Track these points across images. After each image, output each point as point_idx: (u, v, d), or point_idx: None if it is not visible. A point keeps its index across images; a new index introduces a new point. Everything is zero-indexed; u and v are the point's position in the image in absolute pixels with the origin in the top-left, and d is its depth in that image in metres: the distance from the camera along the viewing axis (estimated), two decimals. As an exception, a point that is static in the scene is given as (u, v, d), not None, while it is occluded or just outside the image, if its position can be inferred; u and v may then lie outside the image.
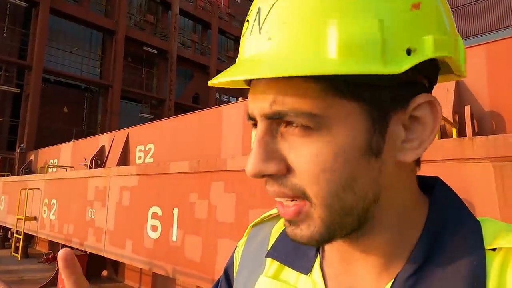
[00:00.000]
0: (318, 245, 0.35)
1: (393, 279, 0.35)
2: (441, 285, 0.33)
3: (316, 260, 0.41)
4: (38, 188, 5.65)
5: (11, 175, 8.95)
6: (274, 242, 0.46)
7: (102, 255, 3.87)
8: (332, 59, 0.28)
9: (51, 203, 5.19)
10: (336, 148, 0.31)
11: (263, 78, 0.31)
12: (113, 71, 13.89)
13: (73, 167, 7.02)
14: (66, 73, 13.37)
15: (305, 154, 0.31)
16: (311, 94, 0.30)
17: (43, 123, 11.93)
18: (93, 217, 4.06)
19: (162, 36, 16.17)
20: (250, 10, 0.34)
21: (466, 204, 0.38)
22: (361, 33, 0.28)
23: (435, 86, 0.38)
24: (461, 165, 1.42)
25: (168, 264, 2.79)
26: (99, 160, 6.33)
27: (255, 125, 0.34)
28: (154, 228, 3.02)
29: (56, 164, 7.81)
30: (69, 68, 13.69)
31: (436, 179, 0.40)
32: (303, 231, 0.33)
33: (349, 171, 0.32)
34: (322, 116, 0.31)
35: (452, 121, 2.00)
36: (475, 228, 0.35)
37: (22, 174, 8.52)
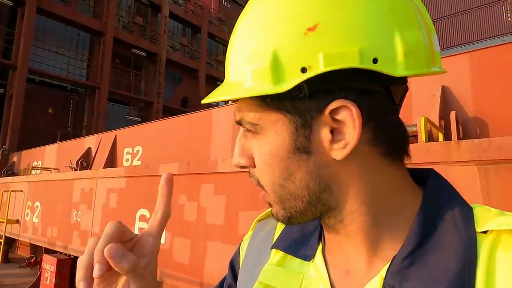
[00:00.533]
0: (288, 223, 0.42)
1: (391, 261, 0.38)
2: (436, 264, 0.35)
3: (318, 248, 0.45)
4: (21, 190, 5.51)
5: (-8, 177, 8.70)
6: (279, 235, 0.50)
7: (87, 258, 3.79)
8: (248, 85, 0.37)
9: (35, 206, 5.06)
10: (271, 148, 0.39)
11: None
12: (101, 73, 13.70)
13: (57, 169, 6.87)
14: (51, 73, 13.12)
15: (256, 152, 0.41)
16: (252, 108, 0.40)
17: (27, 124, 11.67)
18: (78, 219, 3.98)
19: (151, 39, 16.06)
20: None
21: None
22: (262, 62, 0.36)
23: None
24: (447, 168, 1.46)
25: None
26: (85, 162, 6.22)
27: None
28: (142, 231, 2.98)
29: (40, 166, 7.63)
30: (55, 68, 13.44)
31: (430, 170, 0.43)
32: (274, 211, 0.42)
33: (284, 166, 0.39)
34: (257, 124, 0.40)
35: (438, 126, 2.05)
36: (467, 212, 0.37)
37: (4, 176, 8.28)
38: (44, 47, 13.27)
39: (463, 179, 1.42)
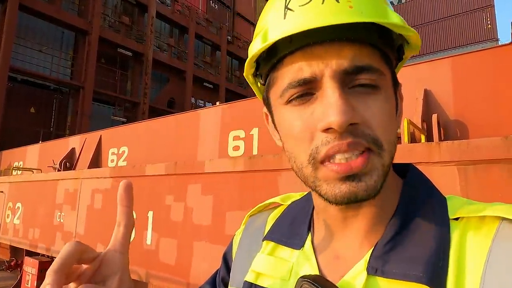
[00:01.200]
0: (372, 197, 0.38)
1: (374, 246, 0.41)
2: (415, 246, 0.39)
3: (308, 237, 0.47)
4: (2, 191, 5.36)
5: (-29, 178, 8.43)
6: (271, 227, 0.52)
7: (71, 260, 3.72)
8: (396, 22, 0.37)
9: (16, 207, 4.94)
10: (390, 104, 0.40)
11: (333, 41, 0.37)
12: (85, 72, 13.46)
13: (40, 169, 6.72)
14: (34, 72, 12.80)
15: (375, 107, 0.38)
16: (376, 58, 0.39)
17: (8, 123, 11.35)
18: (62, 221, 3.91)
19: (137, 39, 15.88)
20: None
21: None
22: (398, 16, 0.38)
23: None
24: (429, 168, 1.51)
25: (141, 268, 2.73)
26: (68, 163, 6.10)
27: (300, 96, 0.39)
28: (127, 232, 2.95)
29: (21, 167, 7.44)
30: (38, 67, 13.12)
31: (409, 165, 0.48)
32: (367, 183, 0.37)
33: (395, 124, 0.41)
34: (384, 75, 0.39)
35: (420, 128, 2.10)
36: (442, 201, 0.42)
37: (-17, 177, 8.03)
38: (27, 45, 12.95)
39: (443, 179, 1.47)
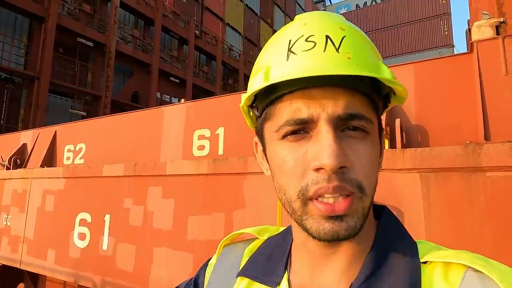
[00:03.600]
0: (352, 236, 0.41)
1: (350, 286, 0.42)
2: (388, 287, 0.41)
3: (285, 275, 0.47)
4: None
5: None
6: (246, 262, 0.52)
7: (19, 267, 3.45)
8: (387, 77, 0.42)
9: (-44, 208, 4.50)
10: (376, 150, 0.43)
11: (330, 87, 0.40)
12: (41, 62, 12.60)
13: (-14, 166, 6.19)
14: (-18, 60, 11.82)
15: (362, 153, 0.41)
16: (366, 107, 0.42)
17: (-50, 115, 10.39)
18: (8, 224, 3.61)
19: (99, 29, 15.11)
20: (305, 35, 0.42)
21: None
22: (388, 70, 0.43)
23: None
24: (393, 175, 1.51)
25: (96, 275, 2.57)
26: (19, 159, 5.66)
27: (295, 132, 0.41)
28: (82, 236, 2.77)
29: (-36, 163, 6.82)
30: (-14, 54, 12.12)
31: (384, 207, 0.51)
32: (348, 223, 0.40)
33: (377, 171, 0.44)
34: (372, 124, 0.42)
35: (384, 132, 2.13)
36: (413, 245, 0.45)
37: None
38: (-26, 29, 11.91)
39: (406, 186, 1.48)
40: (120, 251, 2.47)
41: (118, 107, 14.86)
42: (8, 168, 5.24)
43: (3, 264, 3.87)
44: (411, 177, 1.46)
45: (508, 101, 2.01)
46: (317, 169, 0.39)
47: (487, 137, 2.02)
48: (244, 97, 0.46)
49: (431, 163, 1.43)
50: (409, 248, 0.44)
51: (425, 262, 0.42)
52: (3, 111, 12.68)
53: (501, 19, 2.50)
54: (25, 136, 5.96)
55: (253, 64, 0.50)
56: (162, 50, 18.17)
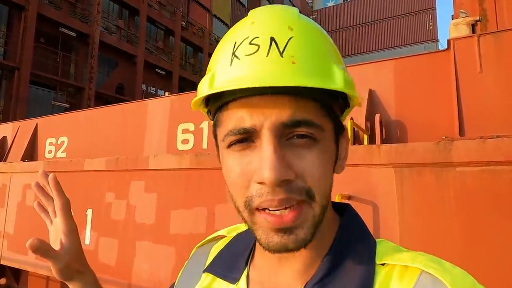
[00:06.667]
0: (301, 247, 0.39)
1: (304, 285, 0.42)
2: None
3: (244, 271, 0.48)
4: None
5: None
6: (212, 259, 0.53)
7: (-1, 262, 3.40)
8: (337, 85, 0.39)
9: None
10: (326, 156, 0.40)
11: (275, 94, 0.37)
12: (21, 52, 12.24)
13: (-36, 160, 6.02)
14: (-42, 49, 11.39)
15: (310, 160, 0.38)
16: (316, 112, 0.39)
17: None
18: (-12, 219, 3.53)
19: (82, 18, 14.73)
20: (250, 36, 0.39)
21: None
22: (346, 76, 0.41)
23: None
24: (369, 170, 1.55)
25: (79, 270, 2.56)
26: (-2, 153, 5.53)
27: (241, 141, 0.39)
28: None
29: None
30: (-37, 43, 11.68)
31: (347, 205, 0.50)
32: (298, 235, 0.38)
33: (330, 176, 0.42)
34: (323, 130, 0.40)
35: (364, 128, 2.17)
36: (371, 247, 0.45)
37: None
38: (-51, 17, 11.44)
39: (381, 181, 1.53)
40: (102, 245, 2.46)
41: (102, 99, 14.59)
42: (-13, 162, 5.12)
43: (-17, 260, 3.80)
44: (387, 172, 1.50)
45: (482, 98, 2.07)
46: (260, 182, 0.37)
47: (461, 133, 2.09)
48: (192, 102, 0.44)
49: (406, 158, 1.47)
50: (367, 249, 0.44)
51: (383, 264, 0.42)
52: (-19, 103, 12.30)
53: (477, 18, 2.56)
54: (5, 129, 5.81)
55: None
56: (147, 41, 17.86)
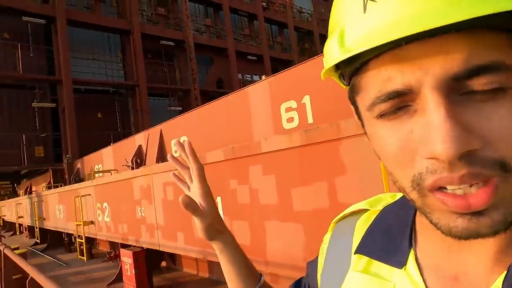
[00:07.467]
0: (500, 232, 0.29)
1: (507, 269, 0.32)
2: None
3: (410, 253, 0.39)
4: (89, 194, 5.99)
5: (64, 185, 9.57)
6: (362, 239, 0.45)
7: (158, 249, 4.06)
8: None
9: (103, 207, 5.49)
10: None
11: (436, 37, 0.26)
12: (136, 70, 14.16)
13: (116, 169, 7.34)
14: (93, 80, 13.83)
15: (501, 119, 0.27)
16: (503, 48, 0.27)
17: (82, 131, 12.54)
18: (143, 215, 4.25)
19: (176, 27, 16.13)
20: None
21: None
22: None
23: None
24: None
25: (220, 251, 2.85)
26: (139, 159, 6.55)
27: (395, 109, 0.29)
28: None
29: (101, 169, 8.21)
30: (94, 75, 14.13)
31: None
32: (493, 218, 0.28)
33: None
34: None
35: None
36: None
37: (72, 183, 9.06)
38: (81, 56, 13.94)
39: None
40: (235, 228, 2.69)
41: (206, 96, 15.84)
42: (132, 168, 6.13)
43: (147, 248, 4.62)
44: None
45: None
46: (431, 158, 0.28)
47: None
48: (322, 72, 0.36)
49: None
50: None
51: None
52: (118, 120, 14.78)
53: None
54: (139, 138, 6.85)
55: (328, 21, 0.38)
56: (234, 32, 18.50)
